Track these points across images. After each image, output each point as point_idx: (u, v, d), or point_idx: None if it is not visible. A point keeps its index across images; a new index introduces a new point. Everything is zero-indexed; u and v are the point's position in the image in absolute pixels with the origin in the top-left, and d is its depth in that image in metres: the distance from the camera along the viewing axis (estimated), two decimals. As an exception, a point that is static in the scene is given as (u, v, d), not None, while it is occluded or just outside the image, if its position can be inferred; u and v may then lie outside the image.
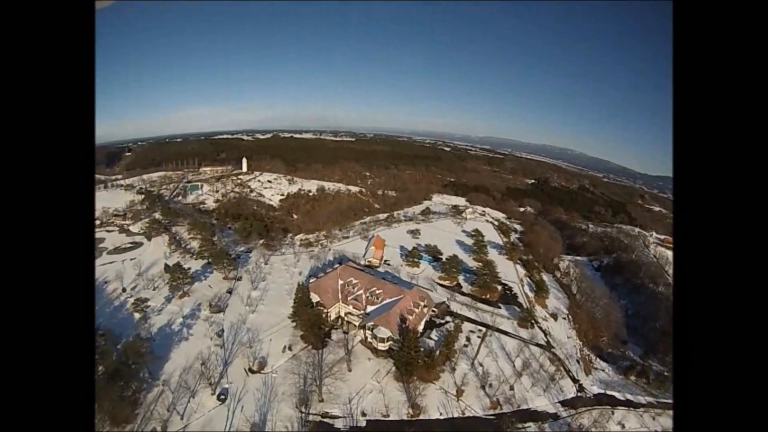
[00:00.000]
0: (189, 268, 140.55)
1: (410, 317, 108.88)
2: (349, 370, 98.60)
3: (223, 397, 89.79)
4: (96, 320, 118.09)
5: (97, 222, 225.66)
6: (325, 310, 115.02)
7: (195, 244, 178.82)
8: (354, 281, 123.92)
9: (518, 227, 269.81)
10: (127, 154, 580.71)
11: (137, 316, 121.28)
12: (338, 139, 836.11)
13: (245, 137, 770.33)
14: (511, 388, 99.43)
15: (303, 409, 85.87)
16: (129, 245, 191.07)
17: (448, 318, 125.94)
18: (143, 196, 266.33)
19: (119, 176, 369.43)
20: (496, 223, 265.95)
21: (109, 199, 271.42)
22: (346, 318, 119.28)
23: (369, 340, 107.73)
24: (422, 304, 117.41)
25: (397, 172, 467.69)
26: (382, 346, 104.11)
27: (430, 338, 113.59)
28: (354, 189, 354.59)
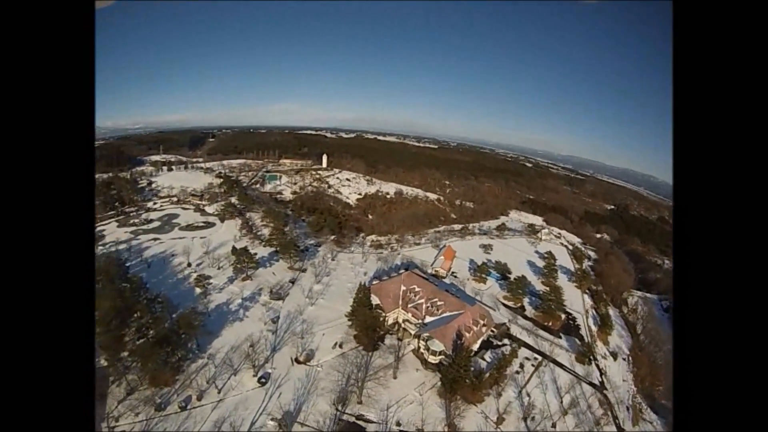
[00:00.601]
0: (255, 254, 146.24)
1: (467, 334, 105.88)
2: (395, 378, 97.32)
3: (264, 380, 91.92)
4: (157, 288, 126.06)
5: (174, 199, 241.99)
6: (384, 314, 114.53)
7: (266, 232, 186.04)
8: (417, 289, 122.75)
9: (592, 254, 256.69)
10: (211, 139, 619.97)
11: (198, 290, 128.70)
12: (421, 144, 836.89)
13: (329, 135, 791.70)
14: (554, 425, 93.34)
15: (339, 408, 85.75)
16: (201, 224, 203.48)
17: (505, 340, 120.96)
18: (222, 180, 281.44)
19: (200, 159, 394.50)
20: (570, 247, 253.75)
21: (188, 179, 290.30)
22: (403, 325, 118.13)
23: (421, 350, 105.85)
24: (482, 322, 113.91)
25: (476, 183, 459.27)
26: (432, 359, 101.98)
27: (484, 359, 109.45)
28: (432, 196, 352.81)
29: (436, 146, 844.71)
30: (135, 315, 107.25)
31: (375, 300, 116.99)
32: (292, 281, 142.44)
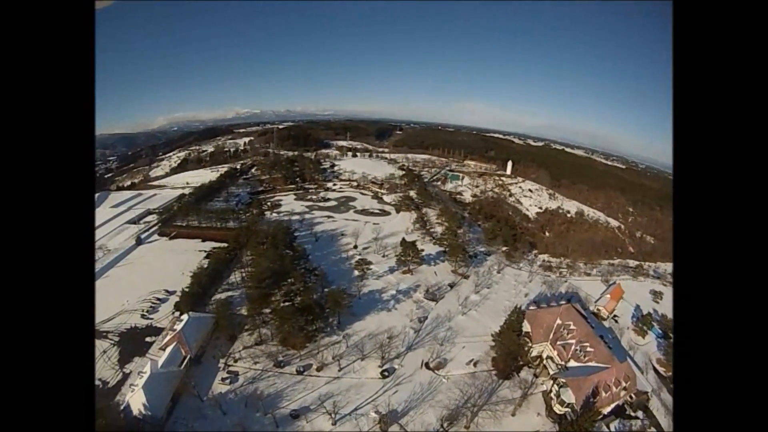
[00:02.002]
0: (422, 250, 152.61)
1: (603, 394, 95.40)
2: (513, 415, 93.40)
3: (386, 374, 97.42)
4: (318, 262, 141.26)
5: (354, 184, 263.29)
6: (530, 344, 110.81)
7: (439, 230, 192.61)
8: (572, 327, 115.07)
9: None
10: (398, 132, 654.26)
11: (356, 273, 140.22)
12: (609, 162, 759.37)
13: (516, 140, 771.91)
14: None
15: (444, 425, 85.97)
16: (377, 211, 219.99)
17: (640, 413, 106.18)
18: (404, 172, 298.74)
19: (386, 150, 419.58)
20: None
21: (371, 167, 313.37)
22: (545, 361, 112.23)
23: (551, 395, 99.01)
24: (623, 384, 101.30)
25: (661, 216, 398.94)
26: (558, 409, 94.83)
27: (608, 427, 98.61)
28: (613, 223, 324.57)
29: (623, 166, 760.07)
30: (289, 280, 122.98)
31: (526, 327, 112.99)
32: (451, 285, 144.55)
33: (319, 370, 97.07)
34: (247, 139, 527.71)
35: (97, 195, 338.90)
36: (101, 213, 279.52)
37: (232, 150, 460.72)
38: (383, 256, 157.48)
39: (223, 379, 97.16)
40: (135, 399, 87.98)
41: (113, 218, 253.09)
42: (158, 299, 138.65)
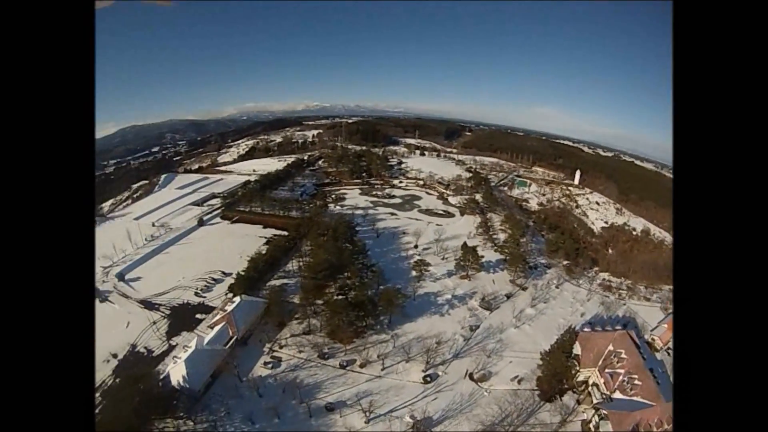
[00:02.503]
0: (483, 257, 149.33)
1: None
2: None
3: (429, 380, 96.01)
4: (376, 258, 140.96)
5: (420, 183, 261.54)
6: (577, 368, 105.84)
7: (501, 237, 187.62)
8: (623, 355, 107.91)
9: None
10: (467, 133, 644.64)
11: (413, 273, 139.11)
12: None
13: (586, 149, 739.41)
14: None
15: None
16: (441, 212, 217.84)
17: None
18: (471, 174, 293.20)
19: (454, 150, 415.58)
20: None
21: (438, 167, 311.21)
22: (590, 388, 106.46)
23: (590, 426, 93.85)
24: (665, 426, 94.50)
25: None
26: None
27: None
28: None
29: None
30: (345, 274, 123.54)
31: (577, 349, 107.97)
32: (508, 296, 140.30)
33: (362, 366, 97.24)
34: (315, 132, 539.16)
35: (163, 176, 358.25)
36: (167, 193, 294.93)
37: (300, 141, 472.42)
38: (443, 259, 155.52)
39: (265, 363, 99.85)
40: (176, 370, 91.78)
41: (178, 199, 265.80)
42: (214, 279, 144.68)
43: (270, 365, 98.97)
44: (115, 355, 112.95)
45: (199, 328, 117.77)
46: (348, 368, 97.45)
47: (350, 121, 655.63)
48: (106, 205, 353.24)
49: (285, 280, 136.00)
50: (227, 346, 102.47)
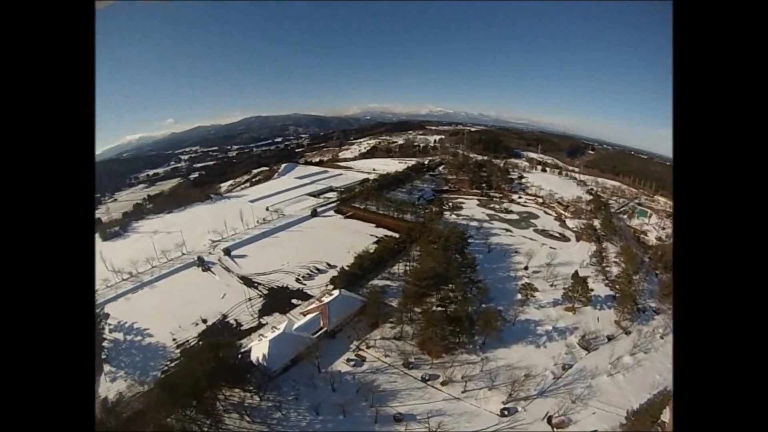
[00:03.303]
0: (592, 290, 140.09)
1: None
2: None
3: (506, 413, 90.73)
4: (484, 275, 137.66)
5: (539, 200, 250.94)
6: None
7: (614, 270, 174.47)
8: None
9: None
10: (591, 152, 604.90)
11: (519, 296, 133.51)
12: None
13: None
14: None
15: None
16: (556, 235, 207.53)
17: None
18: (591, 197, 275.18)
19: (576, 169, 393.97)
20: None
21: (559, 185, 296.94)
22: None
23: None
24: None
25: None
26: None
27: None
28: None
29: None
30: (449, 286, 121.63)
31: (665, 415, 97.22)
32: (609, 338, 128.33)
33: (443, 384, 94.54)
34: (438, 137, 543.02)
35: (284, 165, 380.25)
36: (285, 181, 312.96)
37: (421, 145, 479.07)
38: (551, 285, 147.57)
39: (348, 360, 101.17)
40: (258, 347, 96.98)
41: (295, 188, 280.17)
42: (317, 269, 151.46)
43: (352, 363, 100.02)
44: (204, 321, 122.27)
45: (291, 313, 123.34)
46: (429, 382, 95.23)
47: (473, 129, 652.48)
48: (224, 185, 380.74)
49: (388, 282, 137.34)
50: (315, 336, 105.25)
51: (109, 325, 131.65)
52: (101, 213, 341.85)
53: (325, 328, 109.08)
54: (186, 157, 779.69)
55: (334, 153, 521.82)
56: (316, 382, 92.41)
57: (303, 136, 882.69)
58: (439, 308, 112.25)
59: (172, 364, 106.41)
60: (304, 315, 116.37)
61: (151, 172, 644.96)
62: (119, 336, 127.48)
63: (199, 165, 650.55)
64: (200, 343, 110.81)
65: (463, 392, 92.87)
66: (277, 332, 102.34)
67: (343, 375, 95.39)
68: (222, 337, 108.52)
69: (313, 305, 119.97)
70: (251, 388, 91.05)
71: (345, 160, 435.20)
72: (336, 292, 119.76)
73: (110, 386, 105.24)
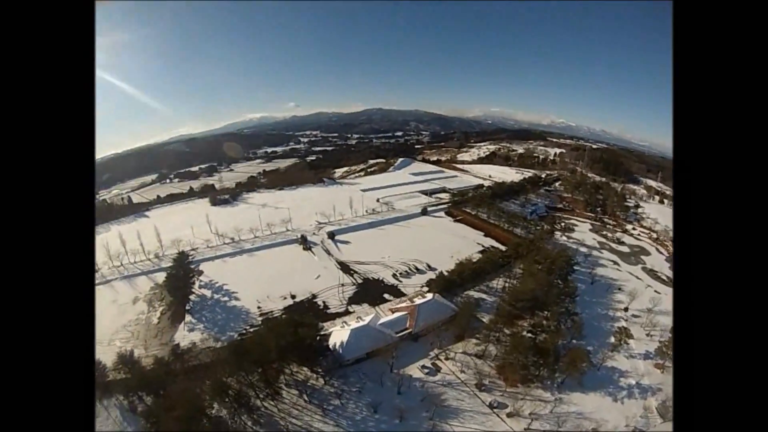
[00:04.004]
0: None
1: None
2: None
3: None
4: (582, 308, 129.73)
5: (653, 236, 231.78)
6: None
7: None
8: None
9: None
10: None
11: (612, 339, 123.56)
12: None
13: None
14: None
15: None
16: (665, 278, 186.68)
17: None
18: None
19: None
20: None
21: None
22: None
23: None
24: None
25: None
26: None
27: None
28: None
29: None
30: (545, 313, 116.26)
31: None
32: None
33: (508, 416, 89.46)
34: (558, 150, 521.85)
35: (400, 159, 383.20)
36: (400, 175, 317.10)
37: (540, 157, 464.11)
38: (647, 335, 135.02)
39: (423, 367, 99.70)
40: (338, 334, 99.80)
41: (409, 183, 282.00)
42: (416, 269, 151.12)
43: (426, 371, 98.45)
44: (293, 296, 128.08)
45: (380, 307, 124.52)
46: (495, 410, 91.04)
47: (594, 146, 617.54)
48: (339, 171, 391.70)
49: (484, 296, 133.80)
50: (398, 335, 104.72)
51: (201, 281, 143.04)
52: (214, 180, 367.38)
53: (410, 330, 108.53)
54: (306, 139, 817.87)
55: (452, 153, 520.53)
56: (384, 381, 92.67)
57: (423, 132, 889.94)
58: (529, 334, 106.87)
59: (251, 330, 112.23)
60: (393, 312, 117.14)
61: (269, 150, 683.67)
62: (207, 293, 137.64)
63: (317, 149, 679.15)
64: (283, 316, 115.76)
65: (525, 430, 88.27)
66: (362, 323, 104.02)
67: (413, 380, 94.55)
68: (306, 315, 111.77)
69: (404, 304, 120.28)
70: (320, 370, 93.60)
71: (462, 162, 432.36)
72: (429, 296, 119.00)
73: (186, 335, 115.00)
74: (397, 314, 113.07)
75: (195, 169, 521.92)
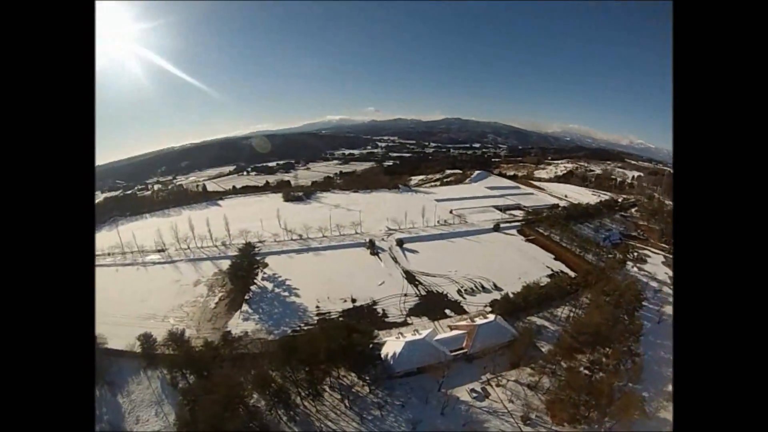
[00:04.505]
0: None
1: None
2: None
3: None
4: (645, 348, 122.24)
5: None
6: None
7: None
8: None
9: None
10: None
11: (670, 387, 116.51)
12: None
13: None
14: None
15: None
16: None
17: None
18: None
19: None
20: None
21: None
22: None
23: None
24: None
25: None
26: None
27: None
28: None
29: None
30: (606, 350, 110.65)
31: None
32: None
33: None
34: (635, 174, 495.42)
35: (477, 172, 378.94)
36: (475, 188, 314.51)
37: (618, 180, 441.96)
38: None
39: (471, 390, 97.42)
40: (391, 345, 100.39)
41: (484, 197, 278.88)
42: (482, 287, 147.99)
43: (474, 395, 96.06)
44: (354, 300, 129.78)
45: (440, 322, 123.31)
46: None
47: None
48: (415, 179, 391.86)
49: (546, 323, 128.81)
50: (452, 353, 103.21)
51: (264, 273, 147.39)
52: (290, 177, 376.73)
53: (465, 350, 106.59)
54: (383, 144, 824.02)
55: (529, 170, 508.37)
56: (430, 399, 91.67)
57: (501, 146, 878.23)
58: (586, 371, 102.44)
59: (305, 328, 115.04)
60: (451, 329, 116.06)
61: (347, 152, 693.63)
62: (269, 285, 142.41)
63: (394, 154, 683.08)
64: (340, 319, 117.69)
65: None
66: (417, 336, 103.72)
67: (459, 403, 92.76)
68: (363, 321, 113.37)
69: (464, 323, 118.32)
70: (367, 378, 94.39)
71: (539, 179, 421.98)
72: (491, 317, 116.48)
73: (239, 323, 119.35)
74: (455, 332, 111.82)
75: (272, 164, 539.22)
